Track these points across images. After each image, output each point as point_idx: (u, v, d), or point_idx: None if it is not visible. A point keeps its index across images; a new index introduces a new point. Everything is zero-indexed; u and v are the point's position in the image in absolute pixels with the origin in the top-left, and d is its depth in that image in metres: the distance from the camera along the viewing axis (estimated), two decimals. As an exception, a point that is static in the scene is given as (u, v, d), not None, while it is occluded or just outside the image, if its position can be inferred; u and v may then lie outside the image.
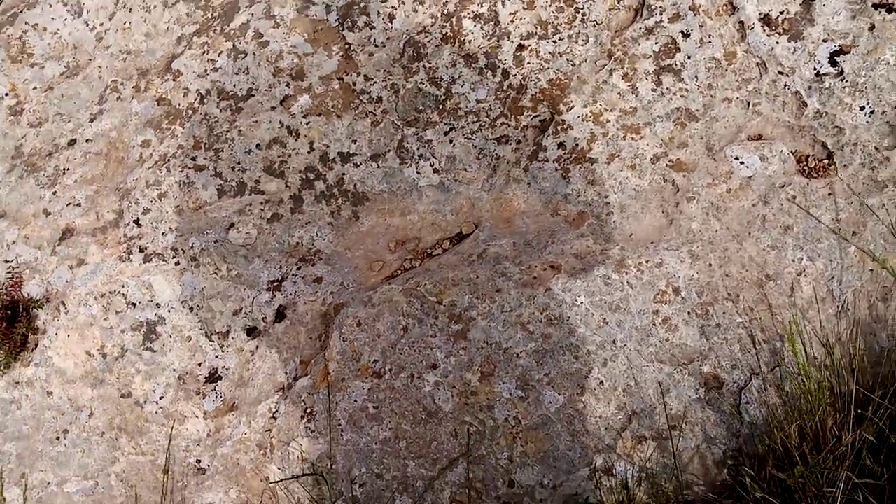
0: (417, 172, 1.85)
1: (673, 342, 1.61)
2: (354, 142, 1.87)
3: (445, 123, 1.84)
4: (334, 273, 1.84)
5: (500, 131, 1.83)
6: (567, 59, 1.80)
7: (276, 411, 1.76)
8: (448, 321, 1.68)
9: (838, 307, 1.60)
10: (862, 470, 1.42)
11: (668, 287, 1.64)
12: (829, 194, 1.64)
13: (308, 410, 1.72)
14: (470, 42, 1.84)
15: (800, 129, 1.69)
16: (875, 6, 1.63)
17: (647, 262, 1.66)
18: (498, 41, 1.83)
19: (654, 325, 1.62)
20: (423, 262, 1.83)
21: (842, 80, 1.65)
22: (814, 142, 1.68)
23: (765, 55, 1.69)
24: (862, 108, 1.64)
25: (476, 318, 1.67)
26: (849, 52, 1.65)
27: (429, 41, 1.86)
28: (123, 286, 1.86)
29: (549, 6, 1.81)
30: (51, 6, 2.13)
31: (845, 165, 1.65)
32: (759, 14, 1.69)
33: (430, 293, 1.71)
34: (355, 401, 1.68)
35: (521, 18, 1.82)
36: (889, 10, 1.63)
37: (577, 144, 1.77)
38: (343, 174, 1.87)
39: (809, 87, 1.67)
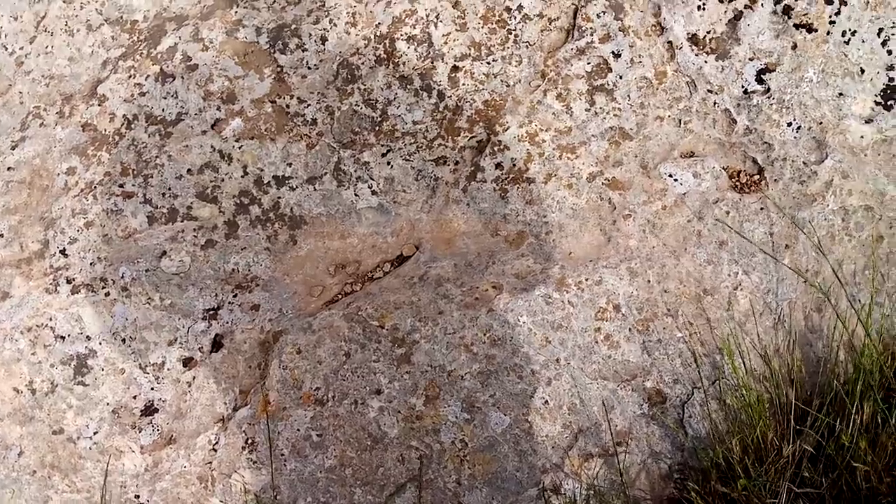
0: (355, 195, 1.82)
1: (616, 359, 1.62)
2: (290, 165, 1.83)
3: (382, 145, 1.83)
4: (272, 299, 1.79)
5: (437, 152, 1.82)
6: (501, 80, 1.80)
7: (216, 443, 1.70)
8: (391, 345, 1.66)
9: (775, 319, 1.64)
10: (802, 480, 1.44)
11: (608, 304, 1.65)
12: (762, 209, 1.68)
13: (249, 441, 1.67)
14: (404, 63, 1.83)
15: (730, 145, 1.72)
16: (796, 26, 1.68)
17: (587, 279, 1.67)
18: (432, 62, 1.82)
19: (597, 342, 1.63)
20: (363, 286, 1.80)
21: (769, 98, 1.69)
22: (744, 158, 1.72)
23: (694, 74, 1.73)
24: (789, 125, 1.69)
25: (419, 340, 1.65)
26: (774, 70, 1.69)
27: (363, 63, 1.84)
28: (51, 319, 1.78)
29: (482, 28, 1.81)
30: (-33, 29, 2.04)
31: (776, 180, 1.69)
32: (687, 34, 1.73)
33: (371, 317, 1.68)
34: (298, 429, 1.64)
35: (454, 40, 1.82)
36: (809, 30, 1.68)
37: (514, 164, 1.77)
38: (279, 198, 1.83)
39: (738, 105, 1.71)
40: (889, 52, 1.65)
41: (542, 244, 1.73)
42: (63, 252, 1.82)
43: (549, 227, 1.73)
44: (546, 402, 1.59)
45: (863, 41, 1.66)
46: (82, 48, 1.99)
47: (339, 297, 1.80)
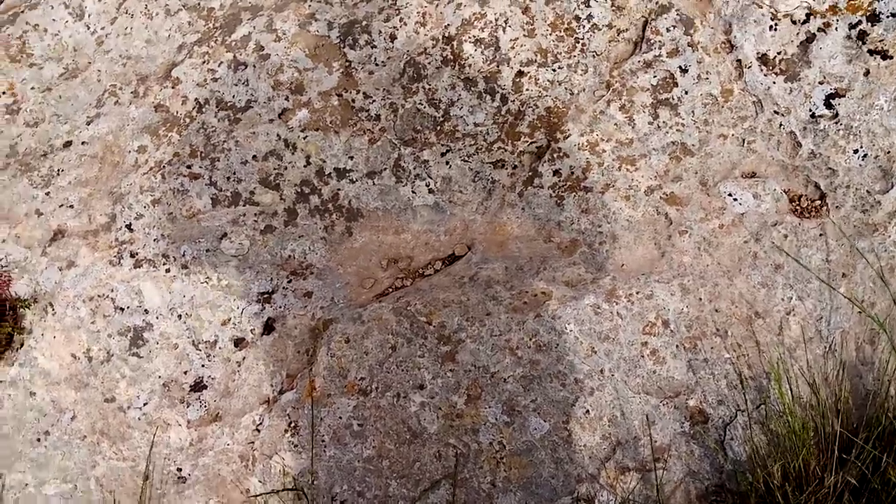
0: (413, 192, 1.85)
1: (660, 374, 1.62)
2: (351, 158, 1.87)
3: (442, 145, 1.85)
4: (325, 288, 1.83)
5: (496, 155, 1.84)
6: (566, 88, 1.81)
7: (260, 424, 1.75)
8: (437, 342, 1.68)
9: (825, 348, 1.62)
10: (842, 511, 1.42)
11: (657, 319, 1.65)
12: (821, 235, 1.65)
13: (292, 424, 1.72)
14: (470, 66, 1.85)
15: (793, 168, 1.70)
16: (871, 52, 1.66)
17: (637, 293, 1.67)
18: (498, 66, 1.84)
19: (643, 356, 1.63)
20: (414, 282, 1.83)
21: (836, 123, 1.67)
22: (807, 182, 1.70)
23: (761, 94, 1.71)
24: (855, 152, 1.66)
25: (465, 340, 1.67)
26: (844, 96, 1.67)
27: (429, 63, 1.87)
28: (112, 290, 1.85)
29: (550, 35, 1.83)
30: (52, 8, 2.13)
31: (837, 207, 1.66)
32: (757, 53, 1.71)
33: (420, 313, 1.71)
34: (340, 417, 1.67)
35: (521, 45, 1.83)
36: (884, 57, 1.65)
37: (572, 172, 1.78)
38: (338, 190, 1.87)
39: (804, 128, 1.69)
40: (967, 85, 1.61)
41: (594, 254, 1.73)
42: (129, 227, 1.89)
43: (604, 237, 1.74)
44: (587, 411, 1.60)
45: (940, 72, 1.63)
46: (160, 31, 2.06)
47: (390, 290, 1.83)
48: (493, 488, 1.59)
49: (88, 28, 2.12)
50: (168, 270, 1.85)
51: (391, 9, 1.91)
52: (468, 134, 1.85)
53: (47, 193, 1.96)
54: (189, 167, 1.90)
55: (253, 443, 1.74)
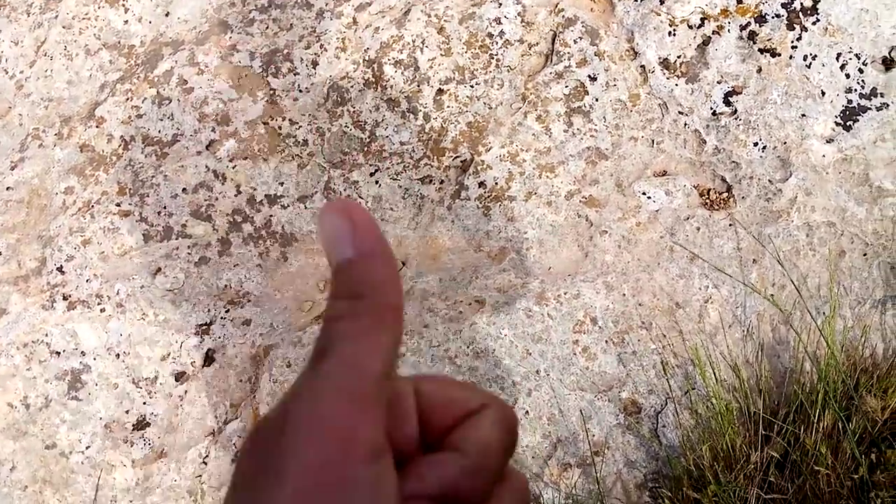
0: (344, 213, 1.89)
1: (593, 370, 1.69)
2: (281, 184, 1.90)
3: (371, 165, 1.90)
4: (263, 314, 1.85)
5: (423, 172, 1.89)
6: (484, 103, 1.88)
7: (207, 456, 1.75)
8: (377, 358, 1.71)
9: (744, 331, 1.71)
10: (770, 486, 1.50)
11: (586, 317, 1.72)
12: (730, 225, 1.75)
13: (239, 454, 1.72)
14: (392, 87, 1.91)
15: (700, 164, 1.80)
16: (761, 51, 1.77)
17: (565, 293, 1.73)
18: (418, 86, 1.90)
19: (575, 354, 1.69)
20: (351, 301, 1.86)
21: (736, 119, 1.78)
22: (714, 176, 1.80)
23: (665, 96, 1.81)
24: (755, 144, 1.77)
25: (405, 353, 1.71)
26: (741, 93, 1.78)
27: (352, 86, 1.92)
28: (47, 335, 1.83)
29: (466, 52, 1.90)
30: (-31, 54, 2.11)
31: (743, 197, 1.77)
32: (659, 58, 1.81)
33: (358, 331, 1.74)
34: (286, 441, 1.69)
35: (439, 64, 1.90)
36: (773, 55, 1.77)
37: (496, 183, 1.85)
38: (271, 216, 1.90)
39: (707, 126, 1.79)
40: (847, 76, 1.74)
41: (522, 259, 1.80)
42: (60, 269, 1.88)
43: (530, 242, 1.80)
44: (527, 412, 1.65)
45: (822, 65, 1.75)
46: (80, 72, 2.06)
47: (328, 311, 1.86)
48: (441, 496, 1.62)
49: (7, 73, 2.11)
50: (103, 310, 1.84)
51: (311, 36, 1.96)
52: (395, 153, 1.90)
53: (-27, 242, 1.93)
54: (118, 205, 1.90)
55: (200, 476, 1.74)
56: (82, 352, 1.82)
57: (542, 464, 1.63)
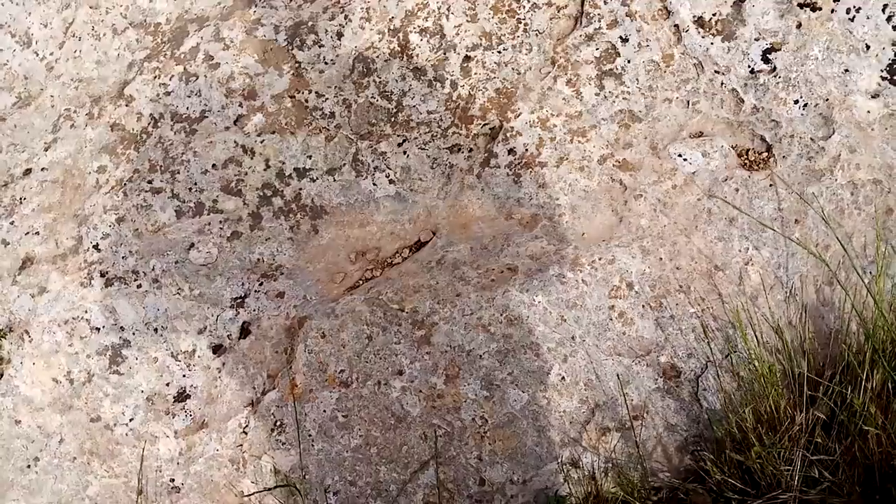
0: (374, 184, 1.88)
1: (630, 335, 1.66)
2: (310, 157, 1.90)
3: (398, 135, 1.88)
4: (296, 287, 1.86)
5: (451, 140, 1.87)
6: (512, 68, 1.85)
7: (247, 426, 1.77)
8: (411, 328, 1.71)
9: (786, 293, 1.67)
10: (816, 447, 1.47)
11: (621, 282, 1.69)
12: (771, 185, 1.71)
13: (278, 423, 1.74)
14: (417, 55, 1.88)
15: (738, 124, 1.76)
16: (800, 5, 1.71)
17: (600, 259, 1.71)
18: (445, 54, 1.87)
19: (611, 319, 1.67)
20: (383, 272, 1.86)
21: (775, 76, 1.72)
22: (752, 136, 1.75)
23: (701, 56, 1.76)
24: (796, 102, 1.72)
25: (438, 322, 1.71)
26: (780, 50, 1.72)
27: (377, 56, 1.90)
28: (87, 311, 1.86)
29: (493, 18, 1.86)
30: (-1, 37, 2.13)
31: (784, 157, 1.72)
32: (693, 17, 1.76)
33: (392, 301, 1.74)
34: (324, 411, 1.70)
35: (465, 31, 1.87)
36: (813, 9, 1.70)
37: (526, 150, 1.82)
38: (300, 189, 1.89)
39: (745, 84, 1.74)
40: (894, 28, 1.67)
41: (555, 226, 1.77)
42: (96, 247, 1.90)
43: (562, 209, 1.78)
44: (563, 378, 1.64)
45: (867, 17, 1.68)
46: (109, 51, 2.07)
47: (361, 282, 1.86)
48: (480, 462, 1.62)
49: (37, 55, 2.12)
50: (139, 286, 1.87)
51: (335, 7, 1.94)
52: (422, 122, 1.88)
53: (12, 223, 1.97)
54: (150, 182, 1.92)
55: (241, 445, 1.76)
56: (121, 327, 1.85)
57: (581, 428, 1.62)
